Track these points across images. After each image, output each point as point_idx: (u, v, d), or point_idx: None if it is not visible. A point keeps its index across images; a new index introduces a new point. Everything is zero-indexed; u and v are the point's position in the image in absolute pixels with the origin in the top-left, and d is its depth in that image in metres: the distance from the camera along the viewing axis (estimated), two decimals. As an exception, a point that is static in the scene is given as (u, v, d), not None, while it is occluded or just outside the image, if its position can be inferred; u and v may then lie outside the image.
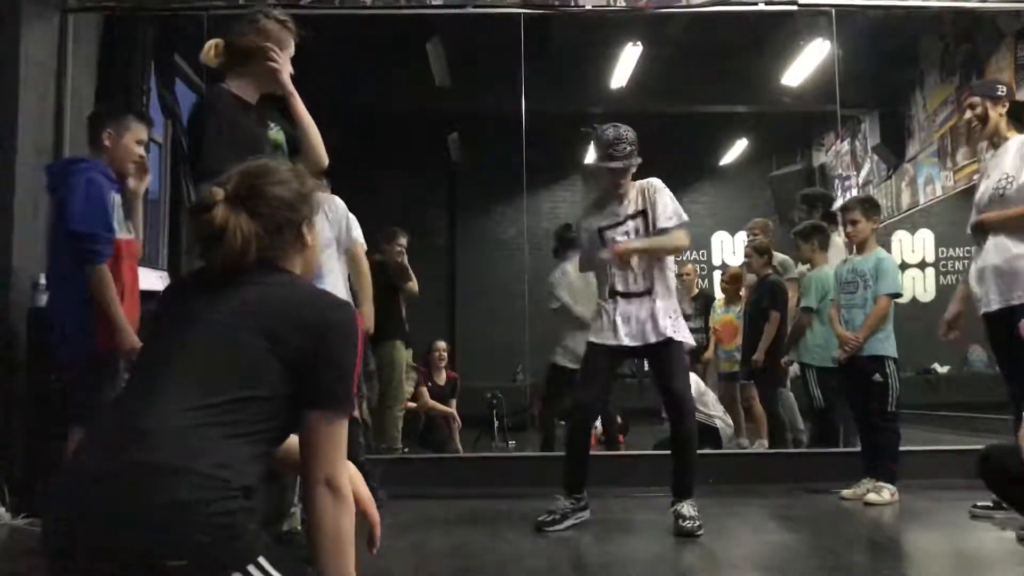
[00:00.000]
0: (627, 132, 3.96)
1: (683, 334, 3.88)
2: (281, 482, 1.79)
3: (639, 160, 3.96)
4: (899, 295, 4.71)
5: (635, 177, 4.04)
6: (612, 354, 3.91)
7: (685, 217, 3.97)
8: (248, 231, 1.66)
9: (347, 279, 4.30)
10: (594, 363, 3.93)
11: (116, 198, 3.46)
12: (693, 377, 6.32)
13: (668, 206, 3.91)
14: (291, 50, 2.91)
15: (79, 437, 3.28)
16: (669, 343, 3.82)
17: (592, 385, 3.93)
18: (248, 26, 2.86)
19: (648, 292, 3.88)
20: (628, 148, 3.93)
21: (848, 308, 4.64)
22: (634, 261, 3.86)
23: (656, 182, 4.00)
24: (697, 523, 3.62)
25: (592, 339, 3.95)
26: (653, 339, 3.82)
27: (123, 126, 3.56)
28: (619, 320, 3.86)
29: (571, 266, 5.80)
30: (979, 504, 3.81)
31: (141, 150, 3.58)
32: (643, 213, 3.93)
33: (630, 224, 3.94)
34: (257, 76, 2.86)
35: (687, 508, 3.69)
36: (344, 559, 1.62)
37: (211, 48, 2.86)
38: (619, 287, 3.91)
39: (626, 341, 3.83)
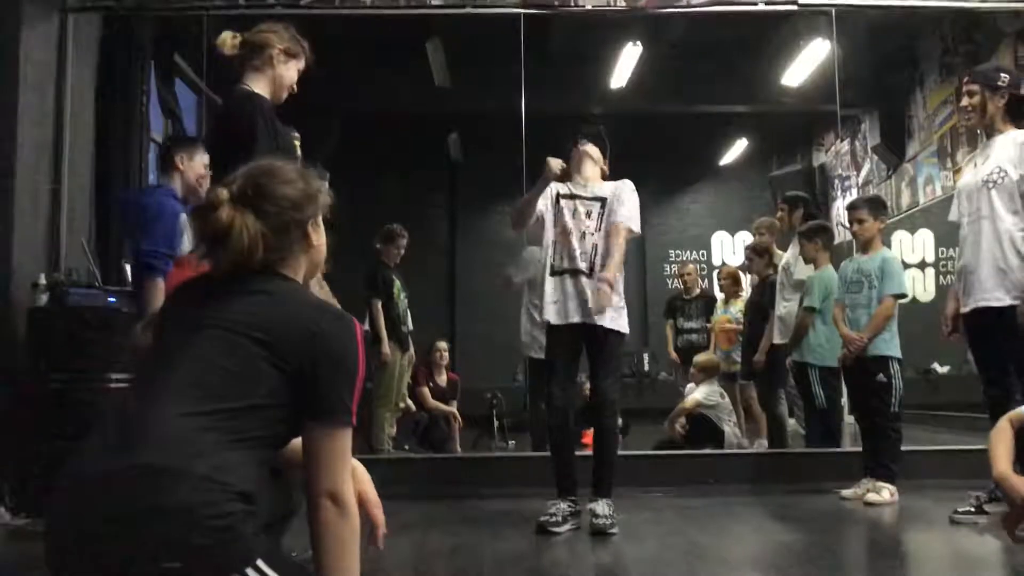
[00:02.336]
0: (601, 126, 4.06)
1: (620, 323, 3.86)
2: (287, 481, 1.79)
3: (605, 156, 4.01)
4: (904, 296, 4.68)
5: (613, 179, 4.06)
6: (571, 332, 3.87)
7: (639, 230, 3.98)
8: (254, 230, 1.66)
9: None
10: (556, 348, 3.92)
11: (184, 218, 3.72)
12: (714, 388, 6.34)
13: (635, 209, 3.92)
14: (301, 64, 3.03)
15: None
16: (608, 334, 3.82)
17: (559, 376, 3.88)
18: (266, 25, 3.00)
19: (590, 272, 3.85)
20: (597, 130, 4.01)
21: (853, 308, 4.63)
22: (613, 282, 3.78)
23: (630, 184, 3.99)
24: (611, 521, 3.65)
25: (550, 321, 3.92)
26: (593, 320, 3.80)
27: (194, 150, 3.89)
28: (564, 298, 3.86)
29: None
30: (959, 510, 3.79)
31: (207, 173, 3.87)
32: (602, 201, 3.92)
33: (594, 206, 3.92)
34: (270, 76, 2.96)
35: (602, 507, 3.71)
36: (348, 571, 1.61)
37: (228, 36, 2.96)
38: (564, 264, 3.90)
39: (575, 318, 3.83)
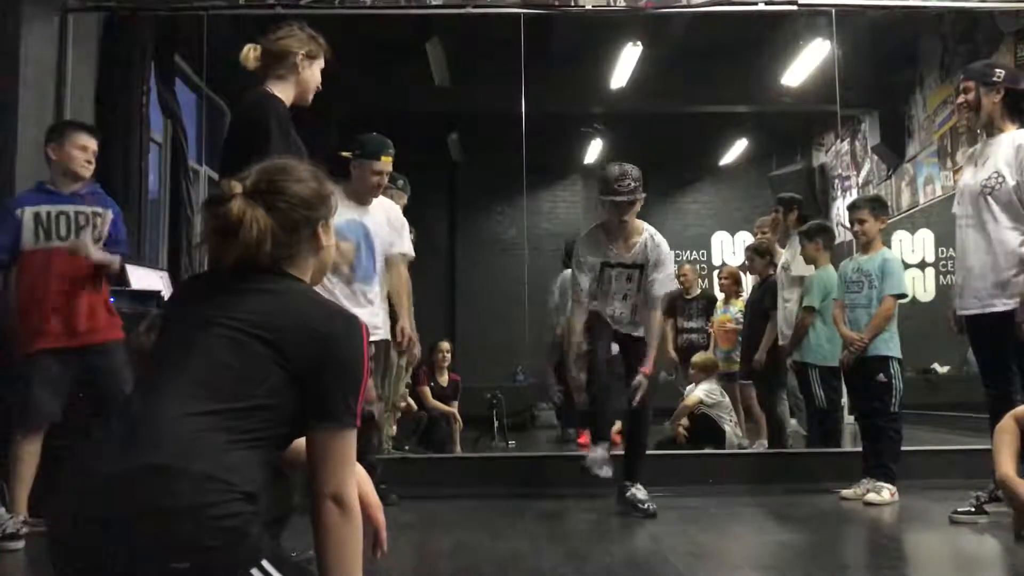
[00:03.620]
0: (632, 170, 4.16)
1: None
2: (287, 481, 1.79)
3: (643, 195, 4.17)
4: (904, 296, 4.68)
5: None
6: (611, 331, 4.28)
7: (675, 283, 4.40)
8: (264, 225, 1.66)
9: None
10: (598, 333, 4.23)
11: (36, 212, 3.71)
12: (715, 386, 6.35)
13: (668, 277, 4.39)
14: (322, 62, 3.07)
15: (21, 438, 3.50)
16: (639, 340, 4.27)
17: (603, 345, 4.23)
18: (283, 31, 3.01)
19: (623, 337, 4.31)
20: (632, 184, 4.12)
21: (852, 308, 4.62)
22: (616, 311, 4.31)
23: (666, 246, 4.28)
24: (652, 503, 4.07)
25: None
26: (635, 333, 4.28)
27: (63, 135, 3.81)
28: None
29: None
30: (959, 510, 3.79)
31: (86, 155, 3.81)
32: (642, 267, 4.21)
33: (632, 272, 4.23)
34: (295, 82, 2.98)
35: (642, 492, 4.12)
36: (351, 572, 1.61)
37: (250, 51, 2.97)
38: (607, 313, 4.28)
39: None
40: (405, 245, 4.18)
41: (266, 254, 1.67)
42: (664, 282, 4.29)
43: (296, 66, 2.97)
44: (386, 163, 3.84)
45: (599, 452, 4.10)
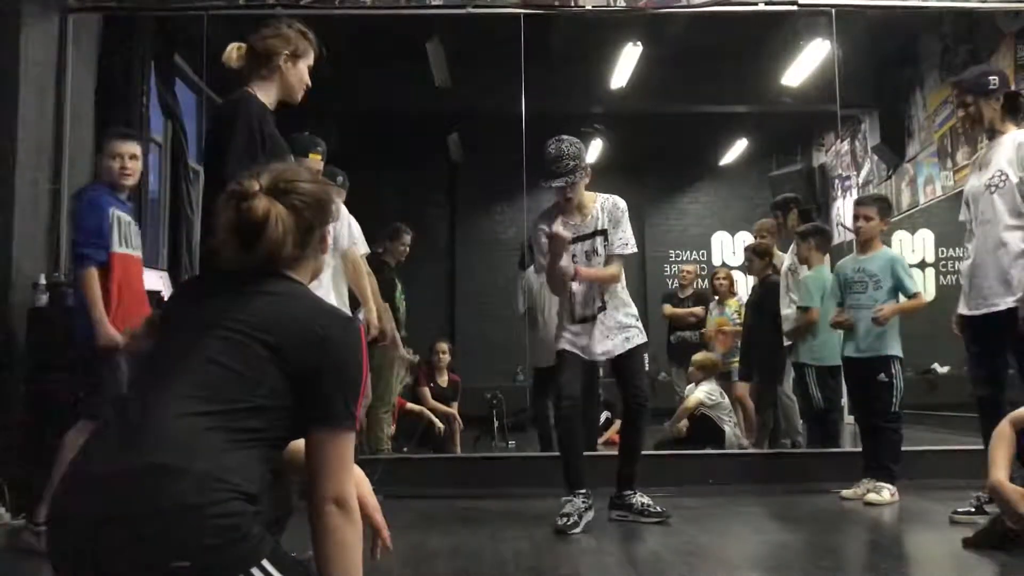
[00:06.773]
0: (569, 147, 3.93)
1: (639, 337, 4.05)
2: (286, 481, 1.79)
3: (585, 175, 3.97)
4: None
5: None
6: (582, 361, 4.06)
7: (635, 247, 4.08)
8: (288, 223, 1.66)
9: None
10: (569, 363, 4.02)
11: (119, 215, 3.73)
12: (715, 387, 6.35)
13: (626, 233, 4.02)
14: (310, 59, 3.04)
15: (82, 431, 3.36)
16: (631, 351, 4.01)
17: (572, 379, 4.00)
18: (269, 30, 2.98)
19: (596, 315, 4.00)
20: (571, 164, 3.91)
21: (856, 308, 4.61)
22: (574, 286, 4.00)
23: (622, 204, 4.05)
24: (658, 506, 3.92)
25: (562, 347, 4.04)
26: (616, 351, 4.01)
27: (108, 142, 3.87)
28: (580, 337, 4.01)
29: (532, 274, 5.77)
30: (959, 510, 3.79)
31: (119, 162, 3.78)
32: (604, 233, 4.00)
33: (595, 241, 4.00)
34: (278, 83, 2.97)
35: (646, 498, 3.97)
36: (351, 574, 1.61)
37: (233, 50, 2.97)
38: (587, 312, 4.02)
39: (591, 355, 4.02)
40: (356, 239, 4.17)
41: (285, 255, 1.67)
42: (626, 241, 3.99)
43: (279, 68, 2.95)
44: (314, 160, 3.85)
45: (575, 502, 3.80)
